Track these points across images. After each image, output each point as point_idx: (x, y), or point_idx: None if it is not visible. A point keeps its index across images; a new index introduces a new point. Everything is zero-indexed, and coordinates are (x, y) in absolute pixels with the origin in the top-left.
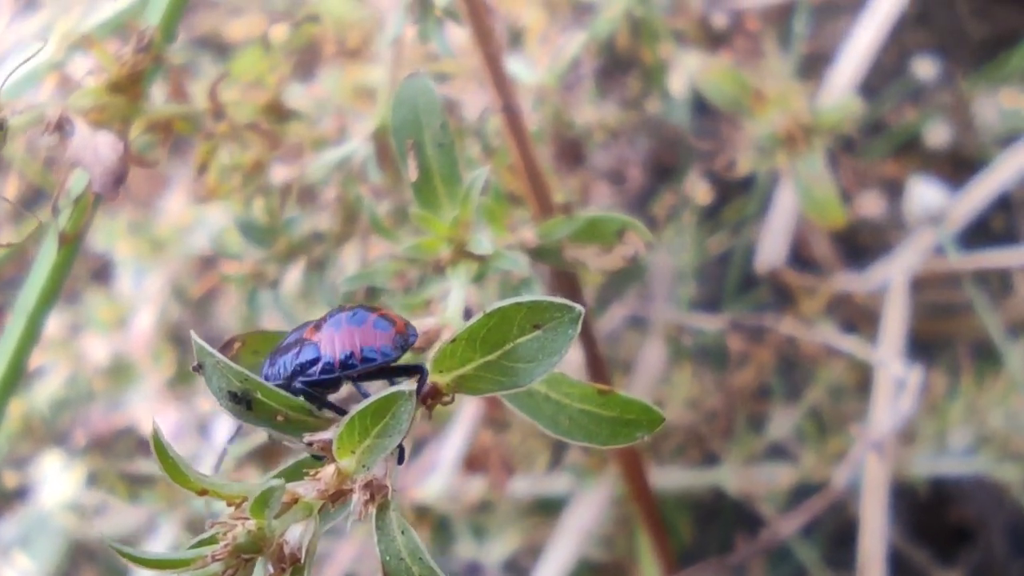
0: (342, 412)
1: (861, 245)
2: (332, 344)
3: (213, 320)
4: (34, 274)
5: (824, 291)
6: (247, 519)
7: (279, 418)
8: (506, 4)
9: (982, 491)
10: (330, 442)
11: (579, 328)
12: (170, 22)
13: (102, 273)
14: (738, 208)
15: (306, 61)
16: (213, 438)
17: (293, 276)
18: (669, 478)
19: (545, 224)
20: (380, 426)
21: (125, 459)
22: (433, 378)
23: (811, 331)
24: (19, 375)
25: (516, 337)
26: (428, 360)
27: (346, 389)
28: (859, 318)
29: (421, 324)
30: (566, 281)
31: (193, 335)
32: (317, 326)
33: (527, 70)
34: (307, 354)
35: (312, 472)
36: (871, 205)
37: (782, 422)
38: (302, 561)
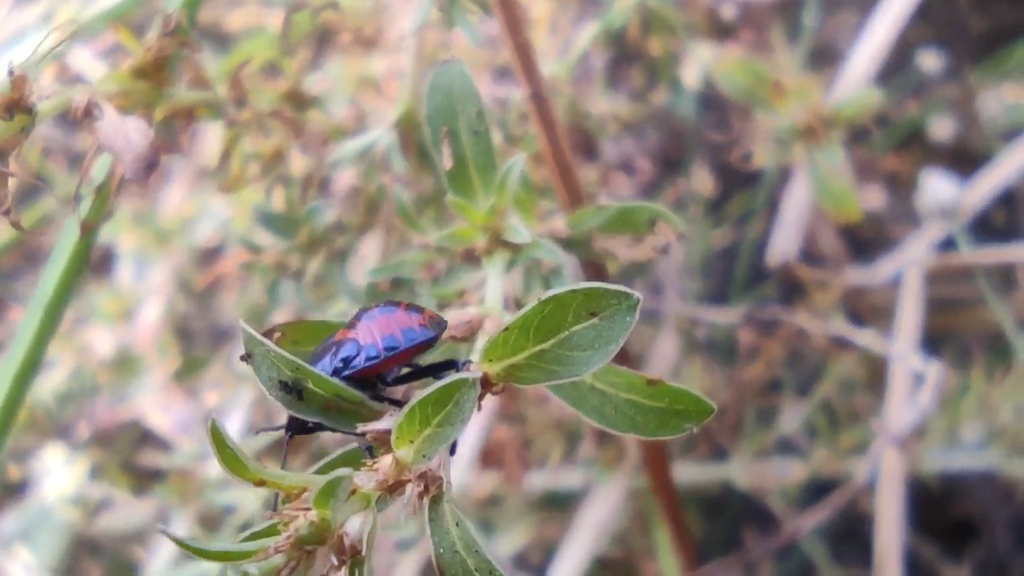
0: (395, 402)
1: (863, 239)
2: (370, 333)
3: (216, 312)
4: (52, 264)
5: (836, 285)
6: (308, 510)
7: (331, 408)
8: None
9: (987, 486)
10: (385, 432)
11: (636, 316)
12: (192, 6)
13: (100, 265)
14: (742, 202)
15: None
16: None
17: (314, 267)
18: (678, 473)
19: (575, 214)
20: (442, 415)
21: (129, 452)
22: (483, 367)
23: (825, 325)
24: (37, 368)
25: (572, 325)
26: (475, 350)
27: None
28: (867, 312)
29: (462, 314)
30: (594, 272)
31: (241, 323)
32: (349, 326)
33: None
34: (347, 349)
35: (370, 462)
36: (873, 198)
37: (792, 416)
38: (363, 552)
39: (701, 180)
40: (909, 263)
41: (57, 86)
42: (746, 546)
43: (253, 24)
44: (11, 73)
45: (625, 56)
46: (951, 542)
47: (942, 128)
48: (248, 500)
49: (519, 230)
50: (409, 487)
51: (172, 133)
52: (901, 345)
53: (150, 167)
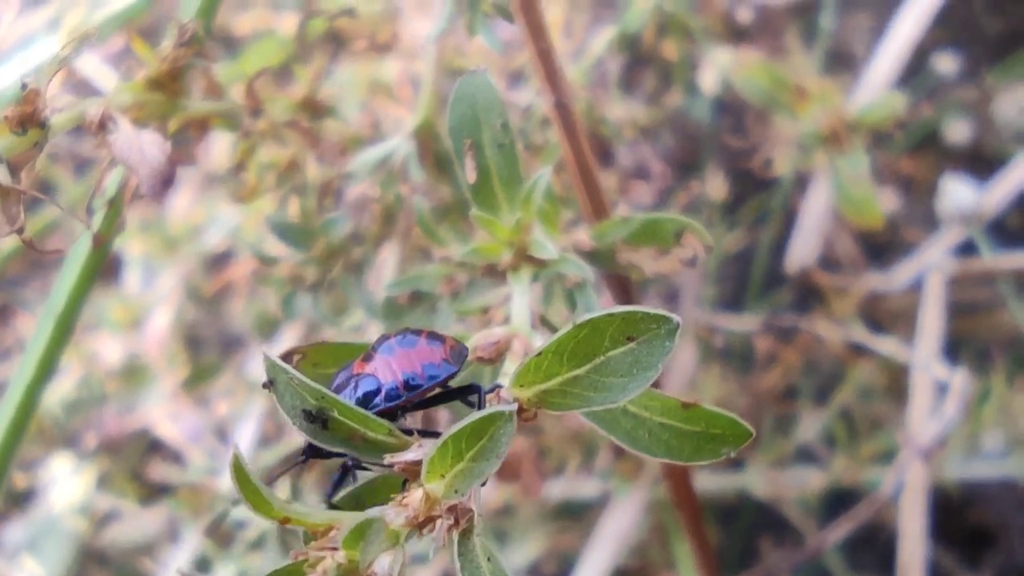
0: (424, 432)
1: (877, 243)
2: (390, 370)
3: (225, 320)
4: (64, 275)
5: (855, 291)
6: (336, 550)
7: (356, 438)
8: None
9: (1004, 494)
10: (414, 464)
11: (676, 341)
12: (208, 15)
13: (107, 271)
14: (755, 207)
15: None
16: (232, 442)
17: (330, 279)
18: (695, 482)
19: (599, 226)
20: (476, 449)
21: (136, 462)
22: (513, 392)
23: (845, 332)
24: (48, 379)
25: (608, 350)
26: (503, 373)
27: None
28: (884, 318)
29: (489, 335)
30: (618, 285)
31: (264, 351)
32: (366, 358)
33: None
34: (366, 385)
35: (398, 497)
36: (888, 202)
37: (810, 425)
38: None
39: (715, 185)
40: (929, 268)
41: (69, 97)
42: (766, 558)
43: (262, 28)
44: (24, 87)
45: (639, 60)
46: (968, 550)
47: (958, 131)
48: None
49: (546, 246)
50: (440, 521)
51: (185, 144)
52: (923, 352)
53: (167, 182)
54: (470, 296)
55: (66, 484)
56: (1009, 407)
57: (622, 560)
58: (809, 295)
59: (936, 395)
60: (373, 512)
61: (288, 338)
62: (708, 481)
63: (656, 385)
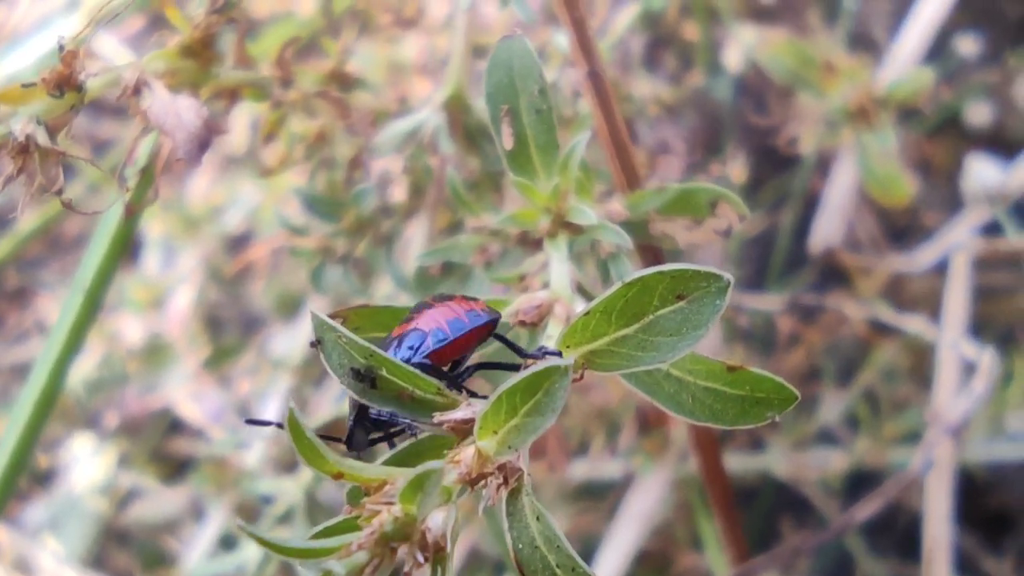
0: (471, 392)
1: (897, 225)
2: (434, 319)
3: (246, 300)
4: (92, 249)
5: (881, 271)
6: (391, 504)
7: (405, 397)
8: None
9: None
10: (463, 422)
11: (727, 300)
12: None
13: (126, 253)
14: (775, 188)
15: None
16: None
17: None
18: None
19: (633, 195)
20: (531, 404)
21: (157, 441)
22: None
23: (871, 312)
24: (76, 353)
25: (657, 309)
26: (546, 336)
27: None
28: (905, 300)
29: (531, 299)
30: (650, 255)
31: (311, 309)
32: (407, 320)
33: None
34: (412, 339)
35: (451, 454)
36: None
37: (833, 406)
38: (448, 549)
39: (736, 166)
40: (954, 249)
41: (103, 63)
42: (790, 538)
43: (280, 10)
44: (62, 48)
45: (660, 40)
46: (988, 533)
47: (979, 113)
48: (287, 489)
49: (585, 212)
50: (491, 479)
51: (214, 115)
52: (950, 331)
53: (203, 146)
54: (503, 266)
55: (87, 464)
56: None
57: (645, 540)
58: (830, 276)
59: (962, 375)
60: (431, 465)
61: (307, 317)
62: (730, 462)
63: None
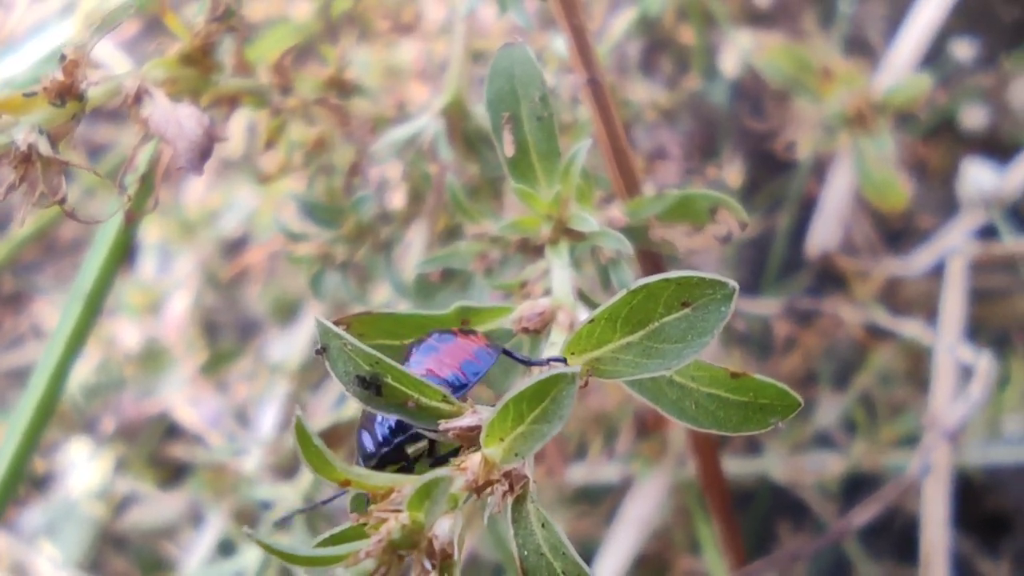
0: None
1: (891, 229)
2: (446, 363)
3: (242, 305)
4: (92, 255)
5: (877, 275)
6: (399, 512)
7: (411, 404)
8: None
9: (1020, 479)
10: (469, 430)
11: (732, 307)
12: None
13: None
14: (770, 192)
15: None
16: (254, 426)
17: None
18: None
19: (633, 201)
20: (538, 411)
21: (153, 447)
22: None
23: (868, 316)
24: (75, 361)
25: (663, 316)
26: (550, 344)
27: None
28: (900, 304)
29: (534, 306)
30: (650, 262)
31: (316, 317)
32: (413, 360)
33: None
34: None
35: (457, 462)
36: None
37: (829, 409)
38: (455, 556)
39: (732, 170)
40: (949, 252)
41: (103, 71)
42: (788, 542)
43: (276, 14)
44: (63, 58)
45: (656, 44)
46: (985, 536)
47: (974, 117)
48: (286, 496)
49: (587, 219)
50: (497, 487)
51: (214, 122)
52: (946, 336)
53: (205, 155)
54: (503, 272)
55: (84, 469)
56: None
57: (643, 544)
58: (826, 280)
59: (959, 379)
60: (440, 472)
61: (307, 322)
62: (727, 465)
63: None
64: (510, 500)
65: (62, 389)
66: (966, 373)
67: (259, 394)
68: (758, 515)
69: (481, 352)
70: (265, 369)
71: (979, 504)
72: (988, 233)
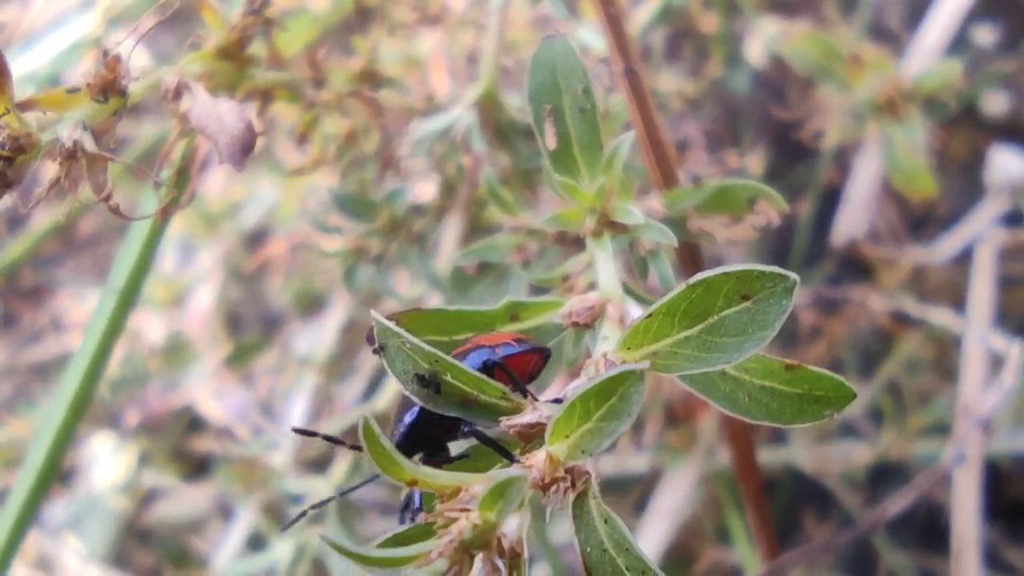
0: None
1: (912, 217)
2: (494, 340)
3: (264, 298)
4: (126, 249)
5: (904, 263)
6: (469, 511)
7: (470, 402)
8: None
9: None
10: (529, 427)
11: (793, 300)
12: None
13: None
14: (793, 180)
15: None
16: (281, 419)
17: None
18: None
19: (672, 193)
20: (605, 408)
21: (177, 440)
22: (620, 355)
23: (896, 304)
24: (110, 354)
25: (722, 309)
26: (600, 337)
27: None
28: (925, 292)
29: (584, 300)
30: (688, 253)
31: (374, 314)
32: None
33: (595, 37)
34: (477, 355)
35: (525, 459)
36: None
37: (855, 398)
38: (523, 554)
39: (754, 158)
40: (976, 239)
41: (144, 65)
42: (819, 532)
43: (294, 6)
44: (106, 55)
45: (679, 33)
46: (1008, 524)
47: (996, 103)
48: (317, 489)
49: (631, 211)
50: (559, 484)
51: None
52: (976, 324)
53: (247, 149)
54: (543, 266)
55: (108, 463)
56: None
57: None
58: (848, 269)
59: (989, 367)
60: (513, 471)
61: (332, 315)
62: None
63: None
64: (572, 497)
65: (97, 382)
66: (995, 361)
67: (286, 387)
68: (782, 504)
69: (523, 343)
70: (291, 362)
71: (1004, 492)
72: (1013, 220)
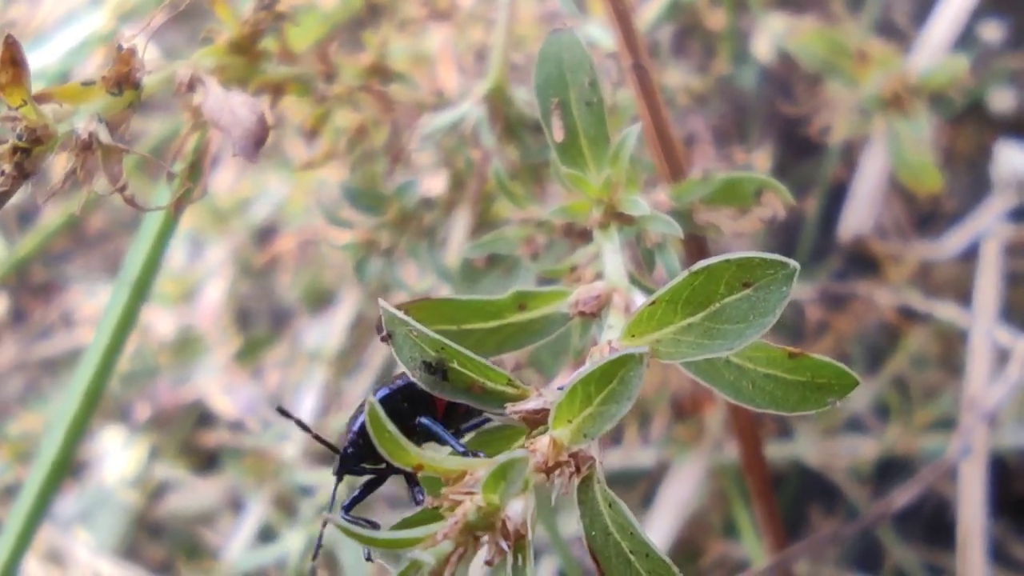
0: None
1: (919, 214)
2: None
3: (274, 292)
4: (138, 242)
5: (911, 258)
6: (473, 494)
7: (476, 388)
8: None
9: None
10: (534, 413)
11: (792, 286)
12: None
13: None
14: (798, 176)
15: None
16: (291, 412)
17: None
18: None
19: (679, 185)
20: (606, 392)
21: (187, 434)
22: (624, 343)
23: (903, 299)
24: (123, 347)
25: (724, 296)
26: (607, 326)
27: None
28: (930, 287)
29: (591, 289)
30: (695, 245)
31: (382, 302)
32: None
33: (604, 33)
34: None
35: (528, 444)
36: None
37: (862, 393)
38: (528, 536)
39: (761, 153)
40: (983, 235)
41: (158, 59)
42: (825, 525)
43: (305, 2)
44: (120, 48)
45: (686, 29)
46: (1013, 519)
47: (1003, 99)
48: (327, 481)
49: (638, 202)
50: (563, 468)
51: None
52: (982, 319)
53: (259, 142)
54: (548, 257)
55: (118, 456)
56: None
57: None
58: (854, 264)
59: (995, 361)
60: (516, 454)
61: (341, 310)
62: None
63: None
64: (577, 481)
65: (109, 376)
66: (1001, 356)
67: (295, 381)
68: (788, 498)
69: None
70: (301, 356)
71: (1010, 486)
72: (1020, 215)
